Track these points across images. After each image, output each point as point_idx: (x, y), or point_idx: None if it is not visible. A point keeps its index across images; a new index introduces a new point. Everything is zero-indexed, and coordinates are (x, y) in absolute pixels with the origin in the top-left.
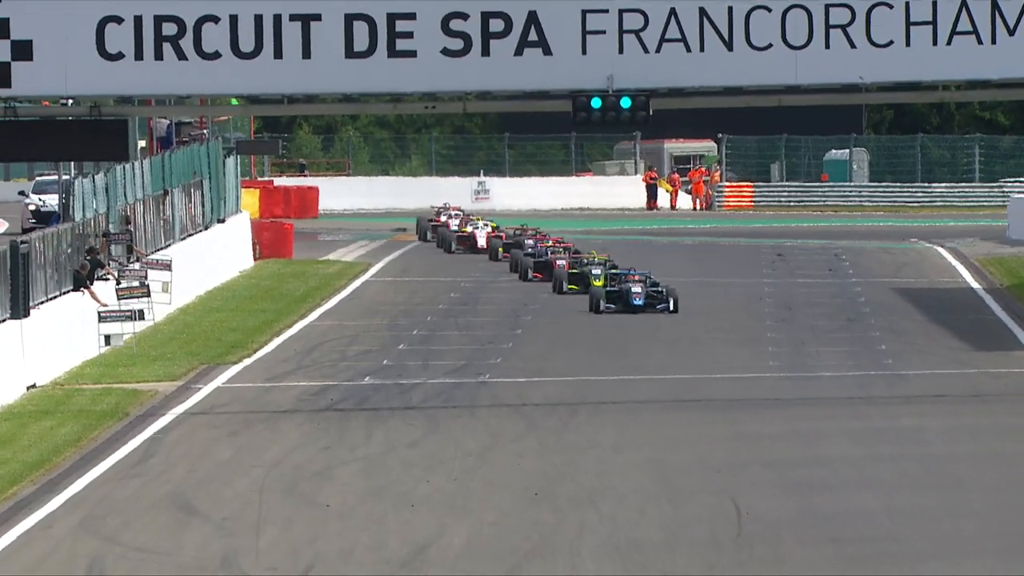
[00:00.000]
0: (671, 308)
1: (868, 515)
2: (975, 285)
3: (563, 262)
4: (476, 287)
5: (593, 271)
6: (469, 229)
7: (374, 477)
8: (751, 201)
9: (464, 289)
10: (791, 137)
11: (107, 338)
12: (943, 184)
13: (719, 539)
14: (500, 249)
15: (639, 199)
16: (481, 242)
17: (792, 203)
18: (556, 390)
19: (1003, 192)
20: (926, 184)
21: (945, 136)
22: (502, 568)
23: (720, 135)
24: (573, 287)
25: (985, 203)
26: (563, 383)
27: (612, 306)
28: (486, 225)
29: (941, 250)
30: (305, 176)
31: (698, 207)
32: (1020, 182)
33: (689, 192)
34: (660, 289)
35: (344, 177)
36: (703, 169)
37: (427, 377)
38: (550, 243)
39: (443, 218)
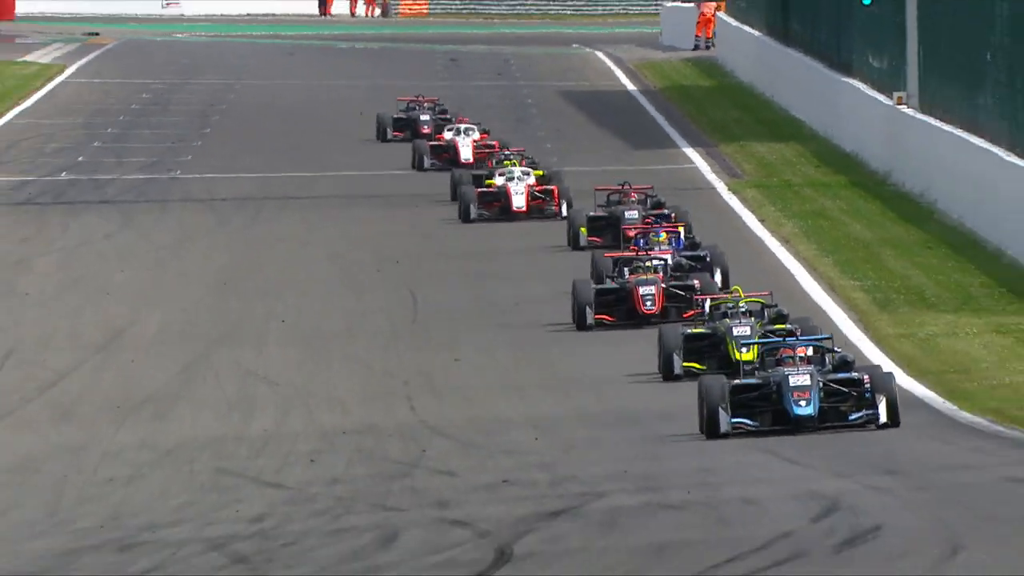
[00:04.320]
0: (883, 419)
1: (542, 300)
2: (631, 87)
3: (652, 290)
4: (168, 88)
5: (736, 329)
6: (499, 181)
7: (71, 268)
8: (426, 9)
9: (155, 90)
10: None
11: None
12: None
13: (396, 326)
14: (583, 230)
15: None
16: (518, 202)
17: (465, 11)
18: (244, 186)
19: (656, 1)
20: None
21: None
22: (192, 352)
23: None
24: (694, 365)
25: (640, 11)
26: (250, 179)
27: (748, 422)
28: (525, 174)
29: (601, 55)
30: None
31: (373, 14)
32: None
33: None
34: (855, 376)
35: None
36: None
37: (121, 173)
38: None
39: (447, 135)
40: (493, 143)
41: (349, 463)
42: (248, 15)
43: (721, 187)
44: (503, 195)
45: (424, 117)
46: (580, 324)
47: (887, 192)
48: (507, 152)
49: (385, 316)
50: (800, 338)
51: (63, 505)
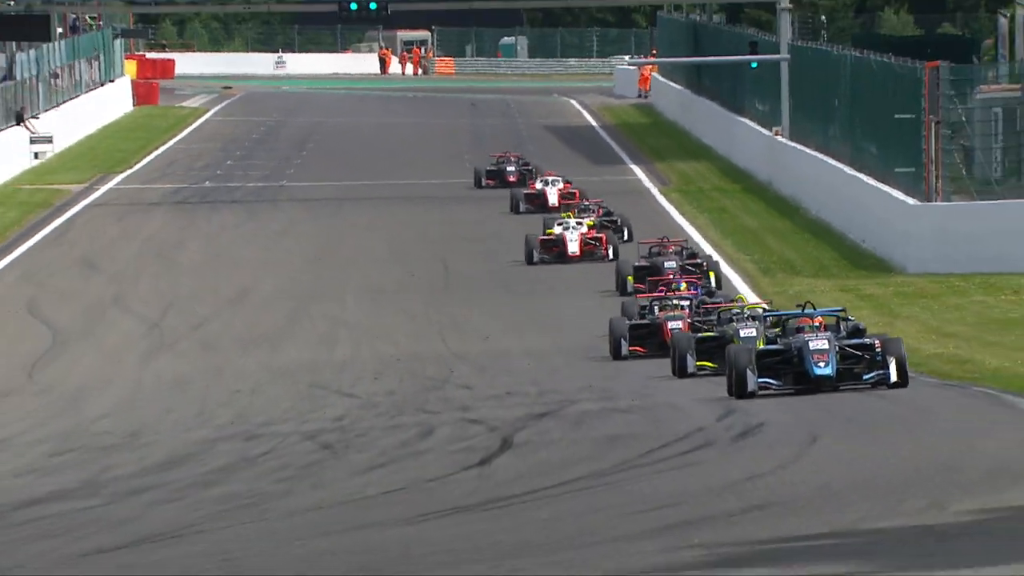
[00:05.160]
0: (893, 379)
1: (540, 272)
2: (594, 123)
3: (679, 324)
4: (277, 124)
5: (743, 331)
6: (557, 230)
7: (213, 247)
8: (454, 70)
9: (268, 125)
10: (478, 28)
11: (35, 154)
12: (574, 60)
13: (434, 286)
14: (630, 278)
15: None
16: (572, 248)
17: (480, 71)
18: (330, 190)
19: (611, 65)
20: (563, 59)
21: (575, 29)
22: (295, 303)
23: (433, 27)
24: (707, 364)
25: (600, 72)
26: (334, 186)
27: (772, 382)
28: (579, 224)
29: (573, 102)
30: (166, 52)
31: (417, 72)
32: (621, 58)
33: (409, 63)
34: (868, 342)
35: (192, 53)
36: (419, 51)
37: (245, 182)
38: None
39: (538, 184)
40: (574, 191)
41: (401, 380)
42: (333, 73)
43: (655, 191)
44: (560, 242)
45: (510, 168)
46: (616, 354)
47: (768, 195)
48: (586, 202)
49: (426, 280)
50: (817, 310)
51: (206, 408)
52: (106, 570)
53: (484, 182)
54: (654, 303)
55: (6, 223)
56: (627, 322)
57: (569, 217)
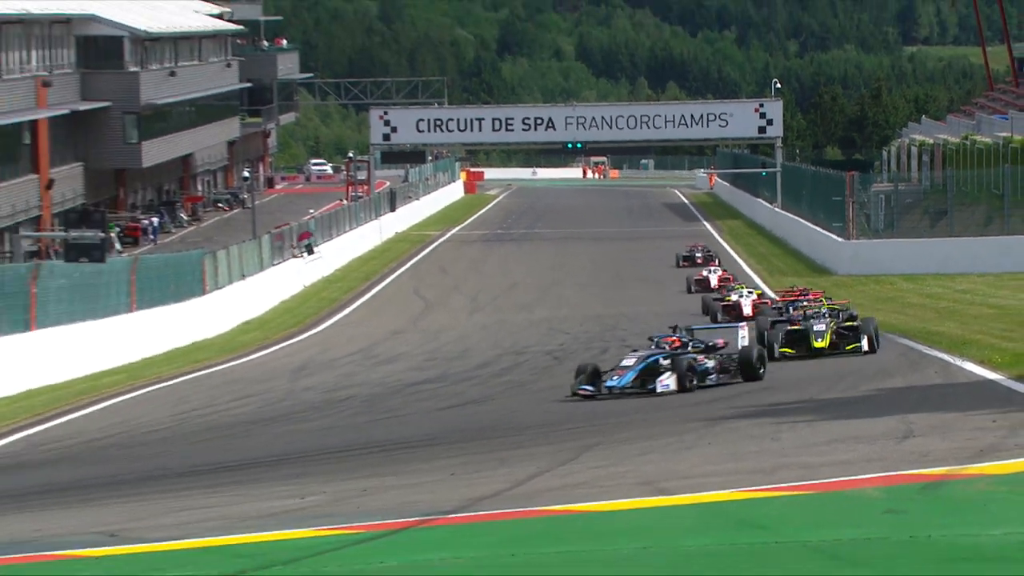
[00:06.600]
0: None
1: (669, 272)
2: (686, 201)
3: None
4: (532, 203)
5: (816, 327)
6: (734, 298)
7: (501, 262)
8: (618, 176)
9: (528, 204)
10: (630, 156)
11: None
12: (676, 170)
13: (608, 282)
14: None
15: (581, 175)
16: (747, 310)
17: (631, 177)
18: (558, 234)
19: (695, 174)
20: (672, 170)
21: (677, 156)
22: (541, 289)
23: (607, 154)
24: (787, 350)
25: (689, 177)
26: (560, 231)
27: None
28: (750, 292)
29: (676, 191)
30: (479, 167)
31: (601, 178)
32: (700, 170)
33: (596, 172)
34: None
35: (491, 168)
36: (601, 167)
37: (518, 230)
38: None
39: (704, 272)
40: (728, 276)
41: (592, 326)
42: (558, 178)
43: (716, 234)
44: (737, 307)
45: (699, 254)
46: (761, 343)
47: (771, 237)
48: (732, 284)
49: (605, 279)
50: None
51: (498, 340)
52: (450, 418)
53: (681, 263)
54: (789, 304)
55: (402, 250)
56: (769, 319)
57: (742, 288)
